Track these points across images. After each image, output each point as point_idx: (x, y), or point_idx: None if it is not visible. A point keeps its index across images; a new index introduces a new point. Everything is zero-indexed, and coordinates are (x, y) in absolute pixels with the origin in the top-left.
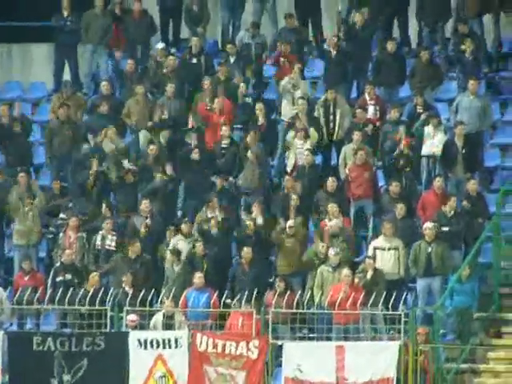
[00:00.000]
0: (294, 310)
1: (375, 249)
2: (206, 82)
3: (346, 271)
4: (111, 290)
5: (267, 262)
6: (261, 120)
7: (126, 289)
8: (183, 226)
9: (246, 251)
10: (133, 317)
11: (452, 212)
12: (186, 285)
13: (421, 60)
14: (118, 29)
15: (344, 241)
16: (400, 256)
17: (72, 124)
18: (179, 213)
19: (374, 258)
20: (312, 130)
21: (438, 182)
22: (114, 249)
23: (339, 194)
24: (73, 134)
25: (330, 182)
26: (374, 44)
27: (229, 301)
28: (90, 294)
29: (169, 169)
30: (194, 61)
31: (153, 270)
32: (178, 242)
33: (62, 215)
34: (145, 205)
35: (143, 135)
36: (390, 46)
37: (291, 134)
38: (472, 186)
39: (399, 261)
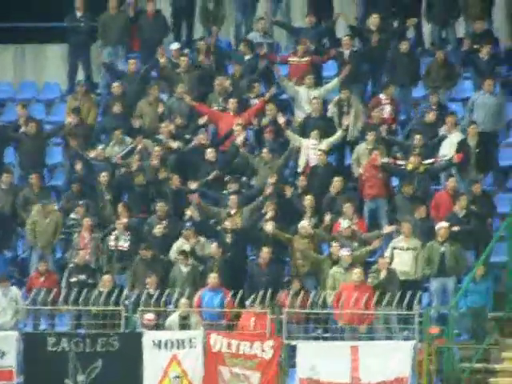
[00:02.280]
0: (308, 310)
1: (394, 249)
2: (218, 82)
3: (354, 271)
4: (125, 291)
5: (282, 262)
6: (279, 120)
7: (150, 291)
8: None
9: (266, 251)
10: (150, 316)
11: (463, 212)
12: (195, 286)
13: (436, 60)
14: (132, 30)
15: (357, 242)
16: (418, 256)
17: (85, 125)
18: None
19: (390, 257)
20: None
21: (451, 183)
22: (126, 249)
23: (348, 193)
24: (85, 136)
25: (335, 182)
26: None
27: (248, 302)
28: (105, 294)
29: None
30: (206, 61)
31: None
32: (186, 244)
33: (72, 215)
34: (161, 207)
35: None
36: (404, 46)
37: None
38: (476, 189)
39: (417, 261)
